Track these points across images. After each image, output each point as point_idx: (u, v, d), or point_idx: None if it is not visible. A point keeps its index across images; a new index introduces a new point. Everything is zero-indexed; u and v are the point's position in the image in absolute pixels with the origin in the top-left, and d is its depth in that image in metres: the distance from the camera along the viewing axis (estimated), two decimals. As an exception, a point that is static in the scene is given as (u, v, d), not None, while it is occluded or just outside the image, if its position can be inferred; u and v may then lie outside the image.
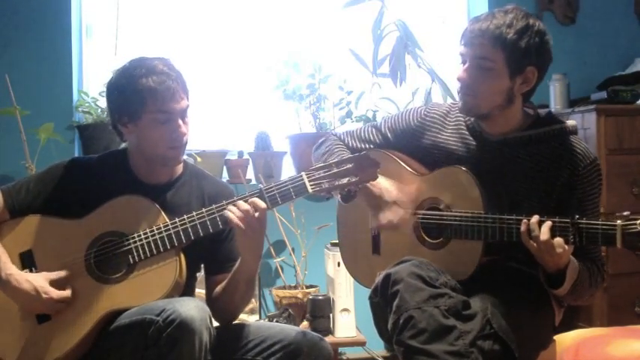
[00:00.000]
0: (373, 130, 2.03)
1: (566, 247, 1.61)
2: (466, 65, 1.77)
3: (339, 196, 1.93)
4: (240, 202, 1.71)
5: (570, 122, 1.85)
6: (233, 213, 1.70)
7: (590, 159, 1.77)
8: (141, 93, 1.75)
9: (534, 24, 1.73)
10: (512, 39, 1.70)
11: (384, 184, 1.88)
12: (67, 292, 1.75)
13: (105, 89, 1.88)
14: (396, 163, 1.94)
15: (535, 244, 1.63)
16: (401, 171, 1.93)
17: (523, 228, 1.65)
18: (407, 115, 1.99)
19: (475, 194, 1.75)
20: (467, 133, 1.88)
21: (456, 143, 1.88)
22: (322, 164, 1.70)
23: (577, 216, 1.61)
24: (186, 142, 1.85)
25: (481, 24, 1.73)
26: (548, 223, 1.62)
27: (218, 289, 1.89)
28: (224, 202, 1.74)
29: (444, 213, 1.81)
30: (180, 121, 1.80)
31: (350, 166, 1.67)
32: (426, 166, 1.91)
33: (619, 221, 1.55)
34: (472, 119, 1.87)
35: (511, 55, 1.71)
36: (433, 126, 1.93)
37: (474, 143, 1.86)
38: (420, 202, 1.87)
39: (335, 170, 1.68)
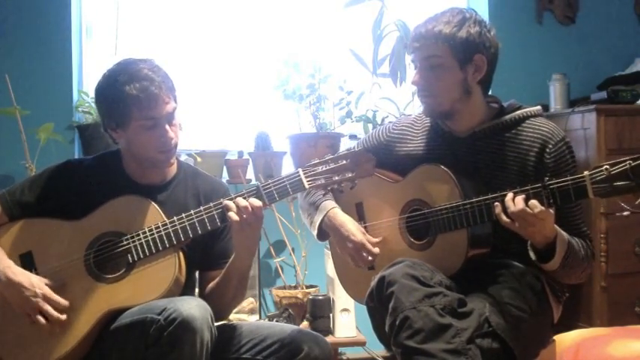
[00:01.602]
0: None
1: (544, 207, 1.61)
2: (417, 69, 1.82)
3: (315, 237, 2.02)
4: (239, 199, 1.71)
5: (534, 107, 1.88)
6: (231, 208, 1.71)
7: (558, 137, 1.80)
8: (125, 101, 1.75)
9: (470, 16, 1.80)
10: (452, 32, 1.77)
11: (349, 226, 1.92)
12: (65, 302, 1.74)
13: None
14: (373, 176, 1.96)
15: (515, 222, 1.64)
16: (380, 183, 1.97)
17: (497, 210, 1.66)
18: (376, 133, 2.06)
19: (450, 185, 1.78)
20: (436, 137, 1.92)
21: (427, 148, 1.93)
22: (319, 160, 1.71)
23: (547, 178, 1.63)
24: (176, 145, 1.84)
25: (420, 28, 1.81)
26: (521, 196, 1.63)
27: (211, 285, 1.90)
28: (221, 200, 1.74)
29: (425, 211, 1.83)
30: (167, 127, 1.79)
31: (346, 162, 1.68)
32: (402, 174, 1.95)
33: (586, 172, 1.58)
34: (438, 122, 1.91)
35: (455, 47, 1.77)
36: (402, 138, 1.99)
37: (445, 144, 1.90)
38: (401, 207, 1.90)
39: (331, 166, 1.68)
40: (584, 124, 2.95)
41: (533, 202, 1.62)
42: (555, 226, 1.68)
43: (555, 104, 3.21)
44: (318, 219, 1.99)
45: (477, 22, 1.80)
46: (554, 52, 3.43)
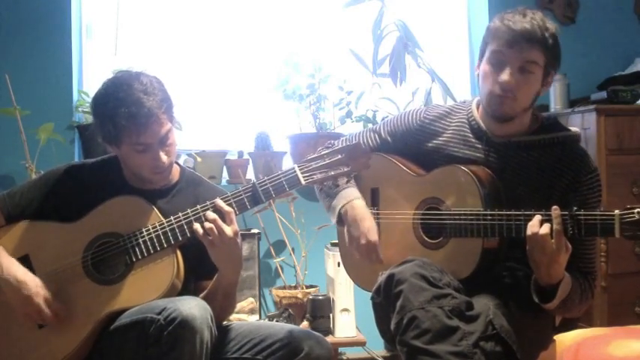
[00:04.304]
0: (372, 134, 2.03)
1: (564, 253, 1.60)
2: (510, 69, 1.73)
3: (334, 222, 1.95)
4: (208, 213, 1.71)
5: (574, 130, 1.86)
6: (200, 225, 1.70)
7: (591, 168, 1.79)
8: (115, 127, 1.73)
9: (556, 28, 1.76)
10: (552, 43, 1.72)
11: (369, 225, 1.85)
12: (64, 307, 1.74)
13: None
14: (394, 165, 1.94)
15: (529, 244, 1.63)
16: (400, 173, 1.93)
17: (534, 222, 1.63)
18: (406, 117, 1.97)
19: (474, 192, 1.75)
20: (470, 135, 1.87)
21: (457, 145, 1.88)
22: (314, 155, 1.69)
23: (575, 208, 1.61)
24: (172, 164, 1.83)
25: (523, 24, 1.71)
26: (547, 225, 1.61)
27: (200, 296, 1.83)
28: (207, 203, 1.73)
29: (443, 212, 1.80)
30: (159, 150, 1.77)
31: (341, 156, 1.67)
32: (425, 168, 1.91)
33: (617, 211, 1.56)
34: (476, 120, 1.86)
35: (549, 59, 1.74)
36: (434, 128, 1.93)
37: (477, 145, 1.85)
38: (418, 202, 1.88)
39: (327, 161, 1.67)
40: (584, 124, 2.95)
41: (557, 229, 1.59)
42: (565, 272, 1.67)
43: (555, 104, 3.21)
44: (338, 204, 1.91)
45: (557, 37, 1.76)
46: (553, 51, 3.43)
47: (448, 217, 1.78)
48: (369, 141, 2.01)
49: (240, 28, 3.38)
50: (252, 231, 2.99)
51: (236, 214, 1.75)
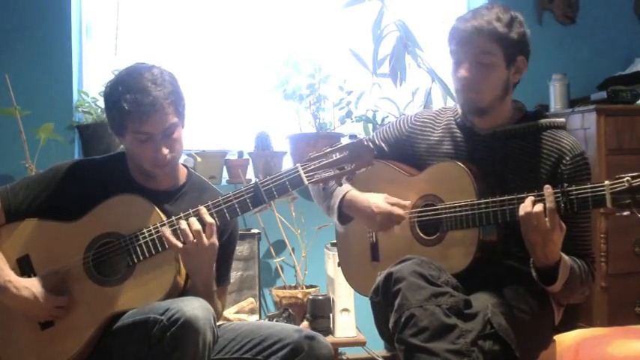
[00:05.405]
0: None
1: (558, 231, 1.61)
2: (466, 64, 1.80)
3: (336, 221, 1.96)
4: (181, 222, 1.70)
5: (559, 119, 1.89)
6: (166, 232, 1.70)
7: (577, 151, 1.80)
8: (120, 112, 1.74)
9: (516, 16, 1.82)
10: (505, 31, 1.77)
11: (373, 200, 1.87)
12: (65, 298, 1.74)
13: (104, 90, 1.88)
14: (388, 167, 1.97)
15: (523, 225, 1.64)
16: (395, 175, 1.96)
17: (526, 202, 1.64)
18: (397, 123, 2.04)
19: (467, 184, 1.77)
20: (458, 131, 1.92)
21: (448, 143, 1.92)
22: (317, 154, 1.68)
23: (566, 184, 1.63)
24: (174, 159, 1.82)
25: (473, 22, 1.79)
26: (539, 204, 1.62)
27: None
28: (209, 203, 1.73)
29: (438, 207, 1.82)
30: (161, 142, 1.76)
31: (345, 154, 1.66)
32: (420, 170, 1.94)
33: (607, 181, 1.58)
34: (461, 117, 1.91)
35: (507, 47, 1.78)
36: (424, 129, 1.98)
37: (465, 139, 1.90)
38: (414, 201, 1.89)
39: (330, 160, 1.66)
40: (584, 124, 2.95)
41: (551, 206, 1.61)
42: (561, 253, 1.68)
43: (555, 104, 3.21)
44: (335, 203, 1.93)
45: (522, 24, 1.82)
46: (554, 52, 3.43)
47: (443, 212, 1.80)
48: None
49: (241, 28, 3.38)
50: (252, 231, 2.99)
51: (238, 215, 1.76)
